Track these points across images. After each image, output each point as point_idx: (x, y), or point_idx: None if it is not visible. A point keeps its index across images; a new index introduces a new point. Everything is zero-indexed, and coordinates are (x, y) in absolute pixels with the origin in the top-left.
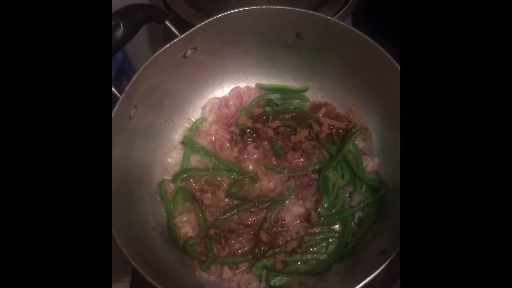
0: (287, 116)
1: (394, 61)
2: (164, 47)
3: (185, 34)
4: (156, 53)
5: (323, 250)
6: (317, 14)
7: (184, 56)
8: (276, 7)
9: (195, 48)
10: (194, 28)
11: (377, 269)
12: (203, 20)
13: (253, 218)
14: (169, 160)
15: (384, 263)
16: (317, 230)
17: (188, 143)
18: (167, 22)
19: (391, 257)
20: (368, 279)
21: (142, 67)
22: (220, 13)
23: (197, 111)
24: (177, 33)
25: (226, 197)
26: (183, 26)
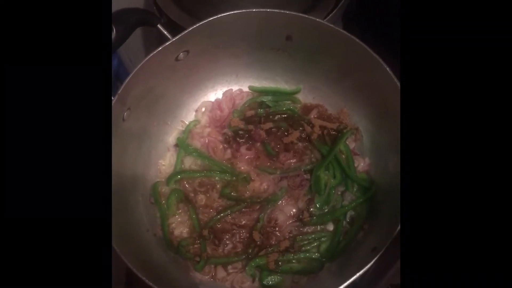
0: (279, 118)
1: (384, 63)
2: (156, 50)
3: (176, 37)
4: (148, 56)
5: (316, 249)
6: (306, 16)
7: (177, 59)
8: (266, 10)
9: (187, 51)
10: (186, 32)
11: (366, 265)
12: (194, 24)
13: (246, 218)
14: (163, 162)
15: (373, 259)
16: (309, 229)
17: (182, 145)
18: (159, 26)
19: (380, 254)
20: (357, 274)
21: (135, 70)
22: (211, 17)
23: (190, 113)
24: (169, 36)
25: (219, 198)
26: (176, 30)
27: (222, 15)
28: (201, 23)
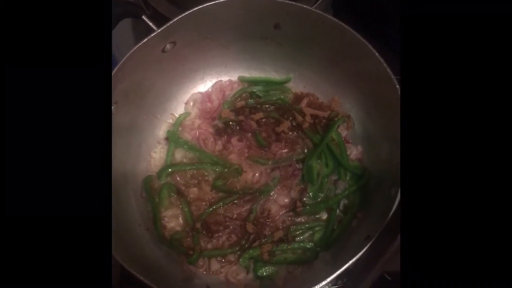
0: (270, 108)
1: (374, 50)
2: (141, 42)
3: (161, 28)
4: (133, 49)
5: (310, 239)
6: (294, 3)
7: (163, 51)
8: None
9: (174, 43)
10: (171, 22)
11: (359, 252)
12: (180, 14)
13: (239, 210)
14: (154, 156)
15: (365, 246)
16: (303, 219)
17: (172, 138)
18: (144, 17)
19: (372, 240)
20: (350, 262)
21: (119, 64)
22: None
23: (180, 106)
24: (155, 28)
25: (211, 190)
26: (163, 22)
27: (208, 4)
28: (186, 13)
